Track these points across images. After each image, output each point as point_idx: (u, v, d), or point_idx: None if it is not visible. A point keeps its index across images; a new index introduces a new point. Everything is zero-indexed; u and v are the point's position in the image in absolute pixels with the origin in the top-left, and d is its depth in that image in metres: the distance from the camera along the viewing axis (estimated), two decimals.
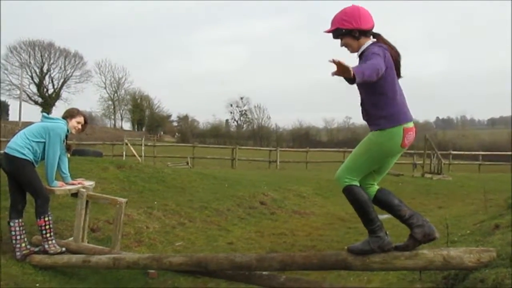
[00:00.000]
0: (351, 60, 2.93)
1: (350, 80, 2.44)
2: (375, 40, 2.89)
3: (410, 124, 2.86)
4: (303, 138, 59.43)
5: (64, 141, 4.56)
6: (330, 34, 2.95)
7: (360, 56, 2.88)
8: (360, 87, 2.90)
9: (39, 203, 4.35)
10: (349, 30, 2.85)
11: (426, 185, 12.69)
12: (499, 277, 2.44)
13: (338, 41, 2.96)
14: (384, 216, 3.19)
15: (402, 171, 15.13)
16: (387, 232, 2.94)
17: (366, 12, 2.88)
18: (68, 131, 4.57)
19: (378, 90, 2.80)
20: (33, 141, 4.37)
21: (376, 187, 3.02)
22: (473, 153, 26.56)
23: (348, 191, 2.91)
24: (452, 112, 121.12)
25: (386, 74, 2.76)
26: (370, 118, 2.91)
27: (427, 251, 2.83)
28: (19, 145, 4.32)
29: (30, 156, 4.33)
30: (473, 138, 49.86)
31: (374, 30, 2.93)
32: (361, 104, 2.97)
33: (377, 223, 2.89)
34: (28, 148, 4.33)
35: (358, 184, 2.92)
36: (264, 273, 3.54)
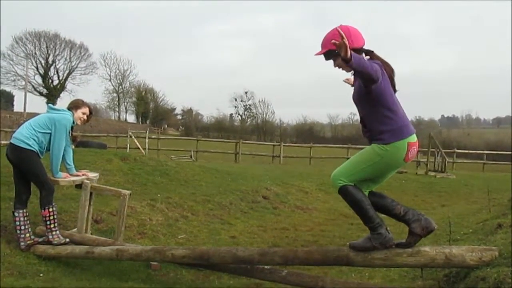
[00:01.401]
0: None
1: (345, 60, 2.51)
2: (368, 57, 2.89)
3: (414, 138, 2.87)
4: (307, 133, 59.32)
5: (69, 133, 4.58)
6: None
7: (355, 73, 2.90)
8: (360, 106, 2.94)
9: (44, 194, 4.38)
10: None
11: (429, 183, 12.67)
12: (501, 276, 2.44)
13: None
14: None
15: (405, 169, 15.10)
16: (388, 229, 2.95)
17: (356, 30, 2.88)
18: (73, 122, 4.58)
19: (378, 106, 2.82)
20: (39, 132, 4.39)
21: (366, 192, 3.02)
22: (478, 152, 26.48)
23: (344, 192, 2.92)
24: (457, 110, 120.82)
25: (384, 88, 2.79)
26: (372, 134, 2.91)
27: (429, 249, 2.84)
28: (24, 136, 4.35)
29: (35, 147, 4.36)
30: (478, 137, 49.66)
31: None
32: (361, 121, 2.98)
33: (377, 220, 2.90)
34: (34, 139, 4.36)
35: (353, 184, 2.93)
36: (266, 267, 3.56)
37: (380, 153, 2.84)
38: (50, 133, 4.42)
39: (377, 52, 2.93)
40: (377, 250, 2.91)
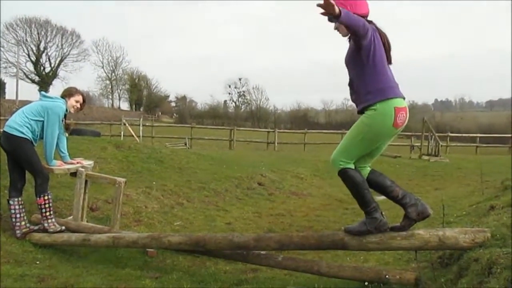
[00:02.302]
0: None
1: (333, 17, 2.54)
2: None
3: (402, 103, 2.86)
4: (301, 119, 59.29)
5: (63, 120, 4.56)
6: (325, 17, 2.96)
7: (350, 38, 2.93)
8: (350, 66, 2.95)
9: (39, 182, 4.38)
10: None
11: (423, 167, 12.75)
12: (493, 257, 2.48)
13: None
14: (380, 198, 3.23)
15: (399, 153, 15.20)
16: (383, 213, 2.98)
17: None
18: (66, 110, 4.55)
19: (368, 64, 2.84)
20: (32, 119, 4.37)
21: (368, 169, 3.05)
22: (471, 135, 26.60)
23: (343, 174, 2.94)
24: (450, 94, 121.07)
25: (375, 49, 2.81)
26: (358, 96, 2.93)
27: (422, 232, 2.87)
28: (18, 124, 4.32)
29: (29, 135, 4.34)
30: (471, 120, 49.87)
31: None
32: (350, 84, 3.00)
33: (373, 205, 2.93)
34: (27, 127, 4.33)
35: (353, 167, 2.94)
36: (262, 252, 3.59)
37: (368, 123, 2.85)
38: (43, 121, 4.40)
39: None
40: (372, 234, 2.94)
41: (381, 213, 2.95)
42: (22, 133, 4.31)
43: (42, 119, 4.40)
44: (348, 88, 3.04)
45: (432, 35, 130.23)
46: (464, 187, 8.59)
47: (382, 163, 11.77)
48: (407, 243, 2.89)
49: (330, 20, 2.97)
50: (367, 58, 2.82)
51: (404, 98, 2.91)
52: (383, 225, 2.92)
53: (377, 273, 3.11)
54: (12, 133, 4.30)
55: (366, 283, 3.08)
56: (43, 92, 4.67)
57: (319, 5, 2.47)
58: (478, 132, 27.68)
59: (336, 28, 2.98)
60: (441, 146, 16.38)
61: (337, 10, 2.49)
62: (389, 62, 2.94)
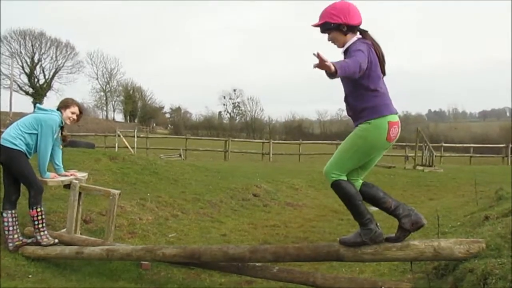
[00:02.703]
0: (336, 53, 3.01)
1: (331, 75, 2.50)
2: (360, 36, 2.94)
3: (395, 118, 2.90)
4: (296, 130, 59.56)
5: (59, 132, 4.55)
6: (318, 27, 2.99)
7: (345, 52, 2.93)
8: (344, 82, 2.98)
9: (32, 193, 4.35)
10: (337, 24, 2.89)
11: (417, 177, 12.78)
12: (488, 267, 2.48)
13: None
14: (374, 208, 3.23)
15: (394, 163, 15.23)
16: (378, 224, 2.98)
17: (355, 8, 2.93)
18: (62, 122, 4.54)
19: (362, 85, 2.85)
20: (26, 132, 4.36)
21: (360, 182, 3.06)
22: (465, 145, 26.80)
23: (336, 186, 2.95)
24: (444, 104, 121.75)
25: (370, 70, 2.82)
26: (354, 112, 2.95)
27: (418, 242, 2.87)
28: (11, 136, 4.31)
29: (22, 147, 4.32)
30: (465, 130, 50.26)
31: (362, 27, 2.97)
32: (345, 99, 3.02)
33: (367, 216, 2.93)
34: (20, 139, 4.32)
35: (346, 179, 2.95)
36: (257, 264, 3.57)
37: (362, 135, 2.87)
38: (37, 134, 4.39)
39: None
40: (367, 245, 2.94)
41: (376, 224, 2.96)
42: (15, 145, 4.29)
43: (35, 132, 4.38)
44: (344, 103, 3.05)
45: (425, 46, 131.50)
46: (459, 197, 8.62)
47: (376, 173, 11.79)
48: (402, 254, 2.88)
49: (322, 31, 3.00)
50: (361, 81, 2.83)
51: (397, 113, 2.94)
52: (378, 236, 2.92)
53: (373, 284, 3.10)
54: (6, 145, 4.28)
55: None
56: (38, 105, 4.67)
57: (316, 66, 2.45)
58: (472, 142, 27.86)
59: (330, 40, 2.99)
60: (435, 156, 16.45)
61: (333, 68, 2.46)
62: (383, 74, 2.96)
